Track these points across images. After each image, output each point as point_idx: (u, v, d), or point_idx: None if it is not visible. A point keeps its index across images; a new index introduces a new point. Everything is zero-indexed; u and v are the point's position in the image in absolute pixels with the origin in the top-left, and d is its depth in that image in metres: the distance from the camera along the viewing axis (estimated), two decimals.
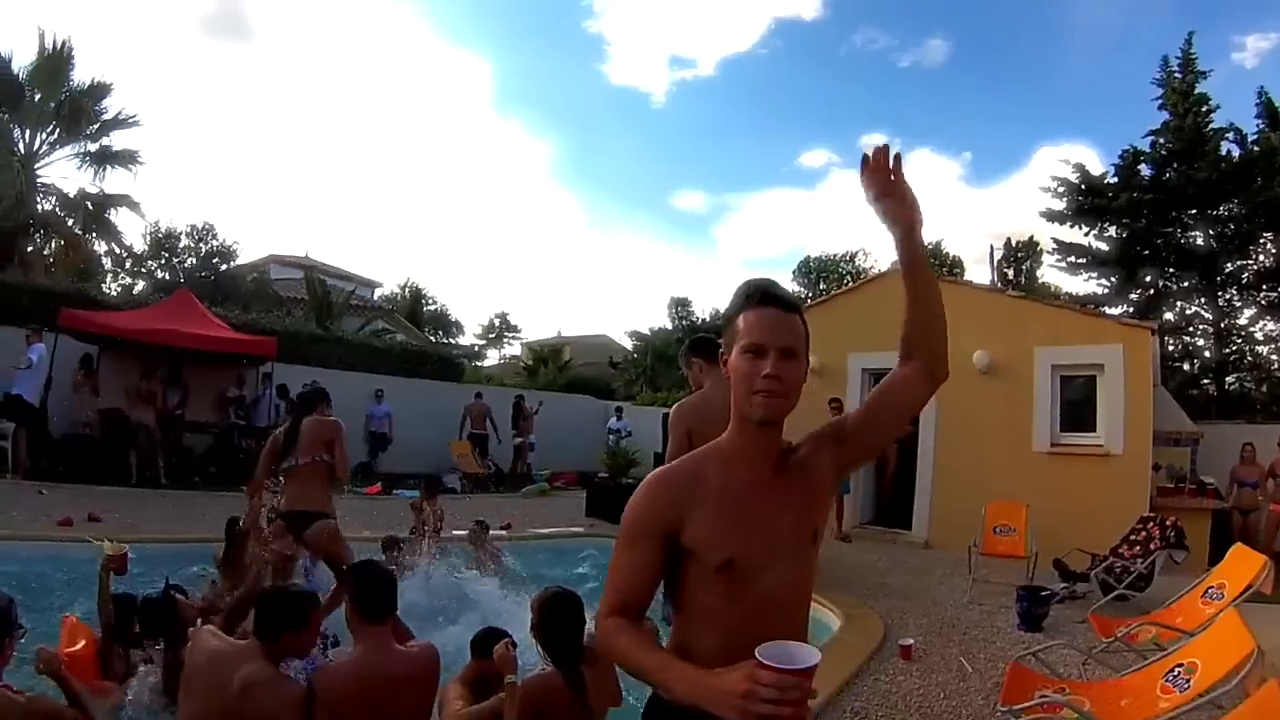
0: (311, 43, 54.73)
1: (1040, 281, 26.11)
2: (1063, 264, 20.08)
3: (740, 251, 61.26)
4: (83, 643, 3.79)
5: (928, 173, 52.37)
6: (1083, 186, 18.91)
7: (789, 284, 33.04)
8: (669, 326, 32.56)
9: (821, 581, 6.92)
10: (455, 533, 8.02)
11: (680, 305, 33.75)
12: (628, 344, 33.22)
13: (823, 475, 1.49)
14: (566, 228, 68.80)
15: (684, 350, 4.19)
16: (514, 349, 40.22)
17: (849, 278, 29.23)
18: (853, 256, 33.75)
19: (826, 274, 32.62)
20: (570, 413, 17.55)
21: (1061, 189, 19.16)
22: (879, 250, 33.18)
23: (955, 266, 29.71)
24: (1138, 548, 6.60)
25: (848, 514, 10.05)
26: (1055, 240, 19.97)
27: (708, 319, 30.30)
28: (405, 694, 2.78)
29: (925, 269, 1.50)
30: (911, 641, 4.92)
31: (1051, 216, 19.45)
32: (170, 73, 48.33)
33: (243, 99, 56.97)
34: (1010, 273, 26.31)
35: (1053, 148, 61.33)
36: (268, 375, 12.35)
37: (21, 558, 5.92)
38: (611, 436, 15.72)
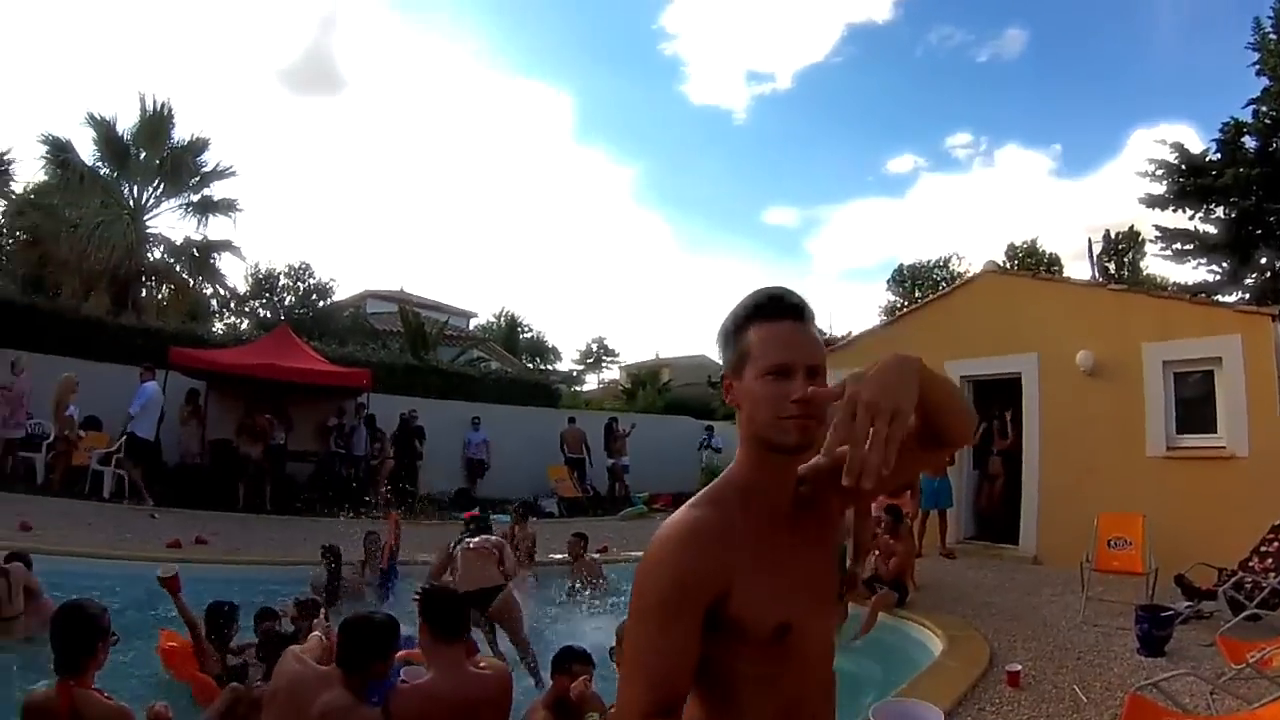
0: (397, 88, 57.13)
1: (1145, 273, 24.69)
2: (1168, 252, 18.82)
3: (834, 264, 60.54)
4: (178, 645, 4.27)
5: (1017, 169, 50.46)
6: (1183, 167, 17.70)
7: (883, 294, 32.74)
8: None
9: (923, 601, 6.74)
10: (552, 556, 8.10)
11: None
12: None
13: (836, 514, 1.33)
14: (659, 250, 69.44)
15: None
16: (612, 373, 40.88)
17: (944, 283, 28.40)
18: (946, 261, 33.04)
19: (921, 281, 31.90)
20: (668, 434, 17.37)
21: (1160, 171, 17.99)
22: (972, 253, 32.19)
23: (1053, 264, 28.43)
24: (1270, 560, 6.00)
25: (951, 529, 9.60)
26: (1158, 228, 18.78)
27: None
28: (479, 714, 2.79)
29: (934, 393, 1.17)
30: (1019, 667, 4.61)
31: (1152, 202, 18.29)
32: (265, 125, 51.47)
33: (335, 144, 59.97)
34: (1111, 266, 24.97)
35: (1147, 130, 58.45)
36: (362, 405, 12.76)
37: (131, 576, 6.23)
38: (703, 453, 15.63)
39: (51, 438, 10.22)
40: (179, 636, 4.49)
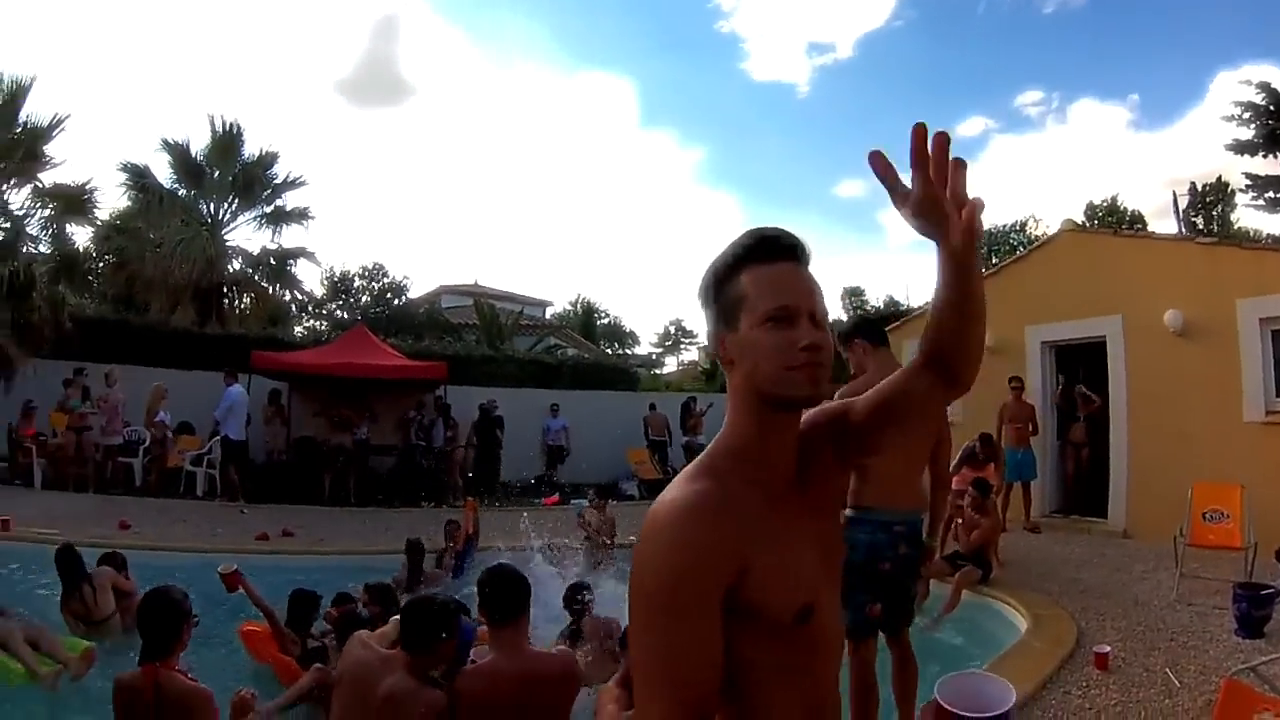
0: (460, 91, 58.18)
1: (1236, 225, 23.21)
2: (1260, 201, 17.69)
3: (908, 234, 58.38)
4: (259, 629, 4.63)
5: (1093, 124, 48.12)
6: (1271, 108, 16.54)
7: None
8: (843, 318, 32.05)
9: (1008, 578, 6.56)
10: (632, 539, 8.08)
11: (853, 295, 33.09)
12: None
13: (836, 475, 1.20)
14: (730, 230, 68.30)
15: (843, 332, 3.73)
16: (691, 354, 41.12)
17: (1021, 248, 27.38)
18: (1023, 225, 31.75)
19: (997, 247, 30.81)
20: None
21: (1247, 114, 16.84)
22: (1050, 215, 30.92)
23: (1135, 222, 26.98)
24: None
25: (1035, 502, 9.25)
26: (1248, 176, 17.63)
27: (881, 307, 29.55)
28: (544, 693, 2.80)
29: (975, 275, 1.03)
30: (1108, 649, 4.40)
31: (1240, 148, 17.15)
32: (332, 134, 53.34)
33: (402, 148, 61.47)
34: (1199, 220, 23.53)
35: (1230, 72, 54.63)
36: (439, 397, 13.06)
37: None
38: None
39: (147, 442, 10.94)
40: (259, 622, 4.70)
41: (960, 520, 6.69)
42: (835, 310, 33.00)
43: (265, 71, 50.26)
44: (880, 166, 1.01)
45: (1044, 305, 9.65)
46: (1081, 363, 9.61)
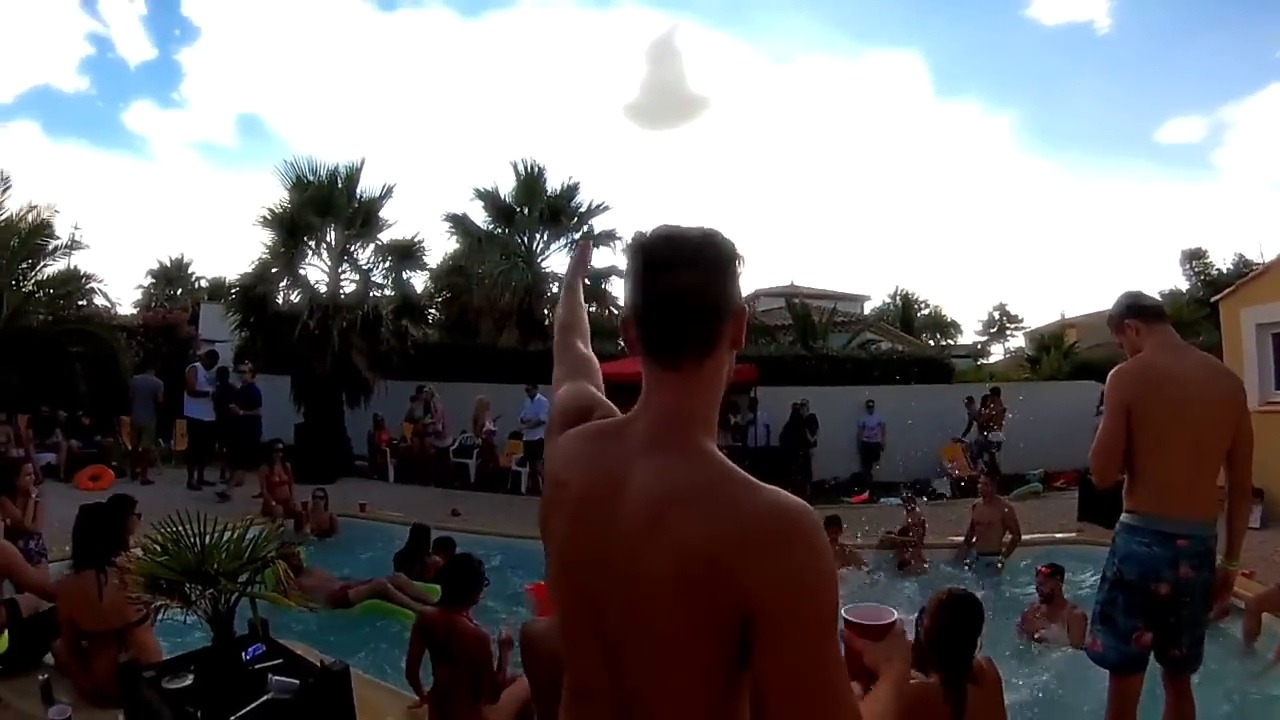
0: (753, 95, 59.19)
1: None
2: None
3: (1256, 174, 47.40)
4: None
5: None
6: None
7: None
8: (1182, 287, 26.35)
9: None
10: (952, 539, 7.84)
11: (1194, 258, 27.27)
12: None
13: None
14: (1051, 197, 61.79)
15: (1115, 312, 3.07)
16: (1018, 340, 38.37)
17: None
18: None
19: None
20: (1069, 403, 14.60)
21: None
22: None
23: None
24: None
25: None
26: None
27: (1228, 269, 23.88)
28: None
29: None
30: None
31: None
32: (632, 158, 57.58)
33: (705, 159, 64.13)
34: None
35: None
36: (754, 399, 13.24)
37: (529, 550, 7.32)
38: (1097, 420, 13.03)
39: (479, 446, 12.66)
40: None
41: None
42: (1174, 279, 27.21)
43: (558, 113, 56.18)
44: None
45: None
46: None
